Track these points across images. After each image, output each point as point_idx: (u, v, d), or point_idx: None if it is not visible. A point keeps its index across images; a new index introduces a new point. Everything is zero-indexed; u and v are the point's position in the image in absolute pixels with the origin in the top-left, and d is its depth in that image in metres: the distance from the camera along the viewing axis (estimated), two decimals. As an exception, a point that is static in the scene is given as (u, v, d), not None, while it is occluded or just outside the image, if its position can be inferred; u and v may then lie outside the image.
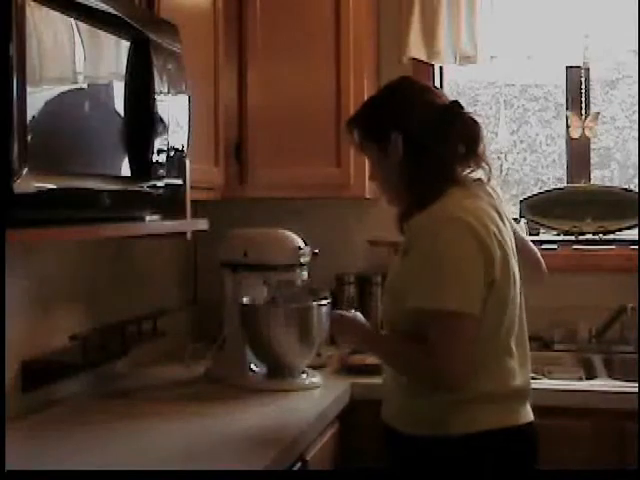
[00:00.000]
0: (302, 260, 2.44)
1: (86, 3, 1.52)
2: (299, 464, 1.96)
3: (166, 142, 1.80)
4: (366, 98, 2.05)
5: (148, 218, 1.84)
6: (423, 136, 1.84)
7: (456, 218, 1.75)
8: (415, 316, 1.75)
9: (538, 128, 3.34)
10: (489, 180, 1.89)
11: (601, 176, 3.21)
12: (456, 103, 1.88)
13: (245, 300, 2.50)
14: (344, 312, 2.11)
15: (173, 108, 1.82)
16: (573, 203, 3.00)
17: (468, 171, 1.87)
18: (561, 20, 2.90)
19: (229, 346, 2.50)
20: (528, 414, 1.87)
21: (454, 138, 1.84)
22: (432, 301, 1.71)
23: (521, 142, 3.35)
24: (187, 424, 2.04)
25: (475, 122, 1.86)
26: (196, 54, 2.21)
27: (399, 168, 1.86)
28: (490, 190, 1.90)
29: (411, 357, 1.80)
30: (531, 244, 2.08)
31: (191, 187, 2.01)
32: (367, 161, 2.02)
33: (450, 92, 3.17)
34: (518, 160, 3.34)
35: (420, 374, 1.80)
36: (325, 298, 2.52)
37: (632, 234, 2.96)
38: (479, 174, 1.88)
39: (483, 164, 1.86)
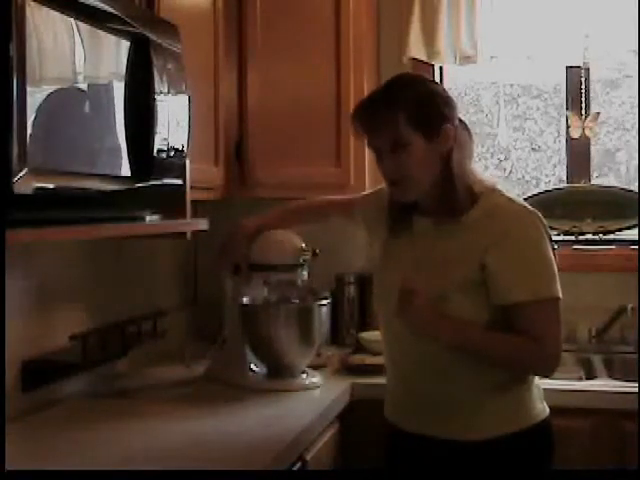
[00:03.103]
0: (302, 260, 2.44)
1: (86, 3, 1.52)
2: (299, 464, 1.96)
3: (166, 142, 1.80)
4: (392, 86, 1.91)
5: (148, 218, 1.85)
6: (462, 129, 1.90)
7: (531, 212, 1.88)
8: (509, 308, 1.81)
9: (538, 128, 3.34)
10: None
11: (603, 180, 3.21)
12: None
13: (245, 300, 2.50)
14: (418, 299, 1.82)
15: (173, 108, 1.82)
16: (573, 203, 3.00)
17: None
18: (561, 20, 2.90)
19: (229, 346, 2.50)
20: None
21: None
22: (539, 292, 1.81)
23: (521, 142, 3.35)
24: (187, 424, 2.04)
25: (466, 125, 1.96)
26: (196, 54, 2.21)
27: (442, 160, 1.85)
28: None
29: (520, 345, 1.82)
30: None
31: (191, 187, 2.01)
32: (393, 150, 1.83)
33: (450, 92, 3.16)
34: (518, 160, 3.34)
35: (528, 361, 1.85)
36: (325, 298, 2.52)
37: (632, 234, 2.96)
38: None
39: None
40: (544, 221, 1.88)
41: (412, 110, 1.82)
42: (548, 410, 1.93)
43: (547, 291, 1.81)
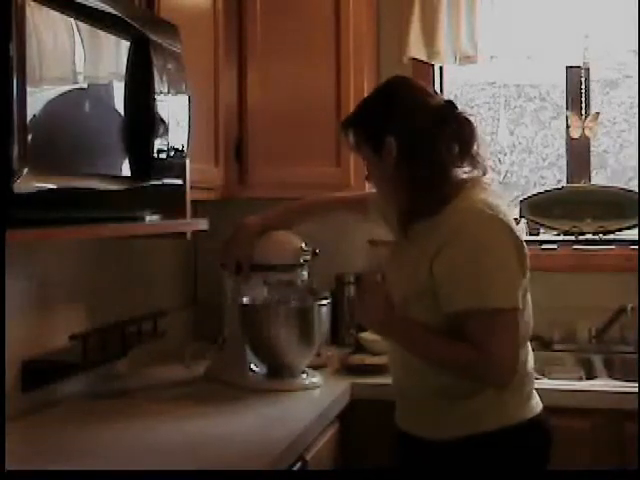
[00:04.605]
0: (302, 260, 2.44)
1: (86, 3, 1.52)
2: (299, 464, 1.96)
3: (166, 142, 1.80)
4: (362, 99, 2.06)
5: (148, 218, 1.84)
6: (417, 139, 1.84)
7: (490, 216, 1.78)
8: (454, 316, 1.77)
9: (538, 128, 3.34)
10: (483, 175, 1.89)
11: (600, 177, 3.22)
12: (450, 103, 1.88)
13: (245, 300, 2.50)
14: (375, 297, 1.89)
15: (173, 108, 1.82)
16: (573, 203, 3.00)
17: (463, 170, 1.86)
18: (561, 20, 2.90)
19: (229, 346, 2.50)
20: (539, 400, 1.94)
21: (448, 139, 1.84)
22: (481, 300, 1.74)
23: (519, 143, 3.35)
24: (187, 424, 2.04)
25: (469, 122, 1.86)
26: (196, 54, 2.21)
27: (394, 170, 1.87)
28: (486, 186, 1.90)
29: (461, 354, 1.77)
30: None
31: (191, 187, 2.01)
32: (364, 162, 2.00)
33: (450, 92, 3.17)
34: (517, 161, 3.35)
35: (471, 371, 1.79)
36: (325, 298, 2.52)
37: (632, 234, 2.96)
38: (474, 173, 1.87)
39: (477, 163, 1.87)
40: (511, 226, 1.80)
41: (359, 126, 1.92)
42: (533, 414, 1.87)
43: (490, 301, 1.74)
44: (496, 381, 1.80)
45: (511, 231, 1.80)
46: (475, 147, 1.85)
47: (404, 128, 1.85)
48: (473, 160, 1.86)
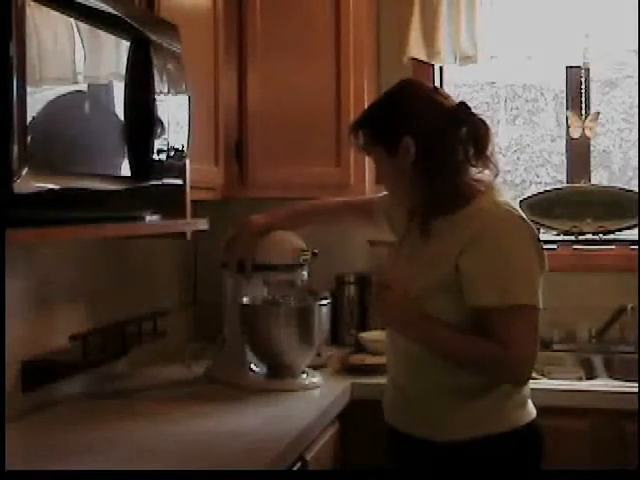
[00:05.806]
0: (302, 260, 2.44)
1: (86, 3, 1.52)
2: (299, 464, 1.96)
3: (166, 142, 1.80)
4: (369, 100, 2.07)
5: (148, 218, 1.84)
6: (434, 139, 1.85)
7: (517, 217, 1.82)
8: (478, 311, 1.78)
9: (535, 127, 3.34)
10: (496, 177, 1.91)
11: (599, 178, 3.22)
12: (464, 104, 1.89)
13: (245, 300, 2.50)
14: (395, 295, 1.86)
15: (173, 108, 1.82)
16: (573, 203, 3.00)
17: (477, 170, 1.88)
18: (561, 20, 2.91)
19: (229, 346, 2.50)
20: None
21: (464, 139, 1.85)
22: (509, 297, 1.76)
23: (520, 142, 3.35)
24: (187, 424, 2.04)
25: (484, 123, 1.88)
26: (196, 54, 2.21)
27: (410, 171, 1.87)
28: (499, 187, 1.93)
29: (486, 350, 1.78)
30: None
31: (191, 187, 2.01)
32: (375, 164, 1.98)
33: (449, 92, 3.16)
34: (512, 160, 3.34)
35: (494, 367, 1.80)
36: (325, 298, 2.52)
37: (632, 234, 2.96)
38: (487, 173, 1.89)
39: (491, 164, 1.88)
40: (531, 226, 1.84)
41: (373, 127, 1.91)
42: (531, 418, 1.88)
43: (515, 298, 1.76)
44: (517, 378, 1.82)
45: (533, 232, 1.84)
46: (490, 148, 1.87)
47: (421, 127, 1.85)
48: (487, 161, 1.87)
